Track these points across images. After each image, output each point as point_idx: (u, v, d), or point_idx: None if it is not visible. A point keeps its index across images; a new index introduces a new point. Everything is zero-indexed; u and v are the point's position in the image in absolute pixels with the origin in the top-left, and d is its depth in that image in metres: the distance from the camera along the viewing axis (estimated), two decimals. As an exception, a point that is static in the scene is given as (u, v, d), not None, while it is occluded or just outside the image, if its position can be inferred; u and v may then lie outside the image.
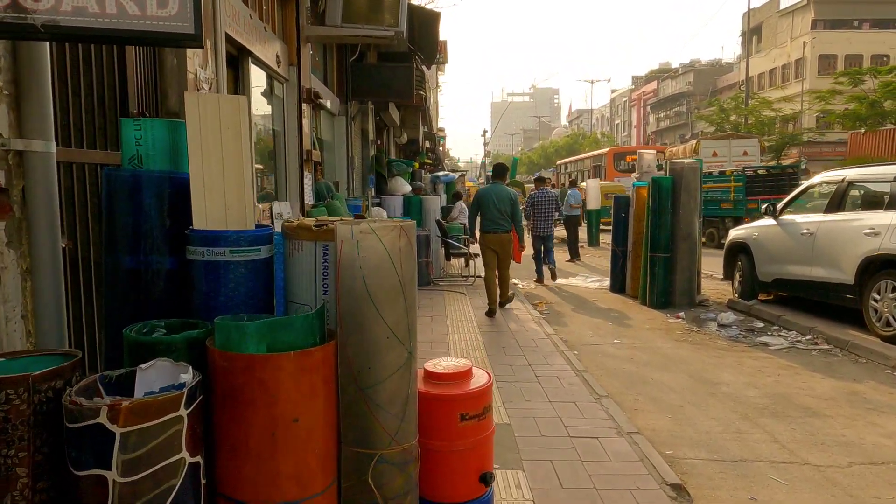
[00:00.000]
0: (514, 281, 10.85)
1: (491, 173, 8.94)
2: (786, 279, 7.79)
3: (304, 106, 7.29)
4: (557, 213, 11.04)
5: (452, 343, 6.31)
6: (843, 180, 7.19)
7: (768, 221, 8.27)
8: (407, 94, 10.96)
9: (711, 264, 10.97)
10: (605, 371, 5.74)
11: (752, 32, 38.26)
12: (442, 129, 52.08)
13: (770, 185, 15.54)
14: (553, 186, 13.40)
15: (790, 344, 6.66)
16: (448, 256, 10.65)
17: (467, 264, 10.85)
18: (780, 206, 8.18)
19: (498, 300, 7.81)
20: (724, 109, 32.99)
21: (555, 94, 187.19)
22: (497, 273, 7.78)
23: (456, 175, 25.49)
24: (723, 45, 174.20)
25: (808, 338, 6.79)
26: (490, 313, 7.60)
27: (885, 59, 37.60)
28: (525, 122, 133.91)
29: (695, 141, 25.41)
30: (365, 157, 13.70)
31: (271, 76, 6.55)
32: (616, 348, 6.60)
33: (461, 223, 11.99)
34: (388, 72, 10.98)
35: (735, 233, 9.20)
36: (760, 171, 16.03)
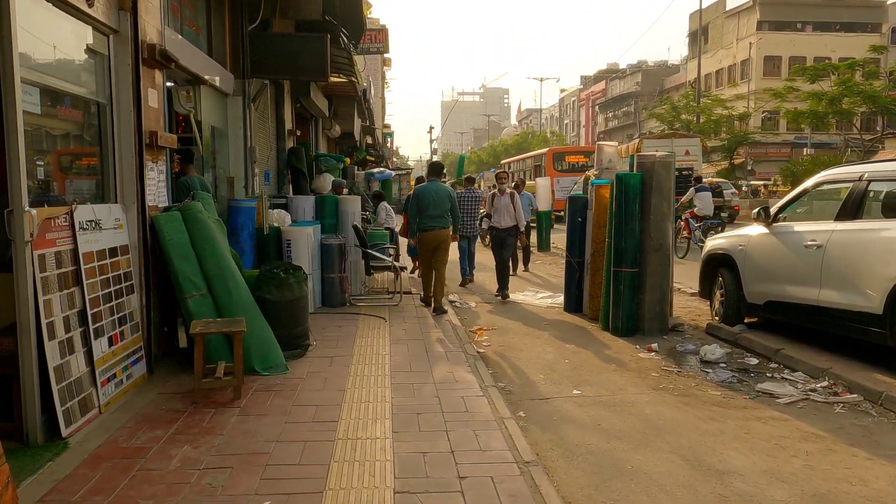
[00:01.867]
0: (451, 297, 9.06)
1: (426, 171, 8.58)
2: (783, 302, 6.19)
3: (150, 71, 5.27)
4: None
5: (348, 408, 4.40)
6: (860, 178, 5.60)
7: (758, 229, 6.67)
8: (320, 72, 8.97)
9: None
10: (564, 453, 3.95)
11: (700, 33, 37.65)
12: (388, 126, 50.00)
13: None
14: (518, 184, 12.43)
15: (802, 394, 5.02)
16: (369, 271, 8.69)
17: (397, 277, 8.94)
18: (773, 210, 6.58)
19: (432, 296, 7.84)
20: (676, 108, 32.26)
21: (504, 94, 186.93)
22: (433, 271, 7.85)
23: (392, 173, 23.47)
24: (669, 46, 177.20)
25: (823, 384, 5.18)
26: (425, 302, 8.00)
27: (827, 61, 37.68)
28: (475, 121, 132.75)
29: (637, 140, 24.67)
30: (281, 151, 11.63)
31: (84, 22, 4.52)
32: (576, 405, 4.84)
33: (388, 228, 10.09)
34: (296, 44, 8.97)
35: (714, 242, 7.57)
36: None
